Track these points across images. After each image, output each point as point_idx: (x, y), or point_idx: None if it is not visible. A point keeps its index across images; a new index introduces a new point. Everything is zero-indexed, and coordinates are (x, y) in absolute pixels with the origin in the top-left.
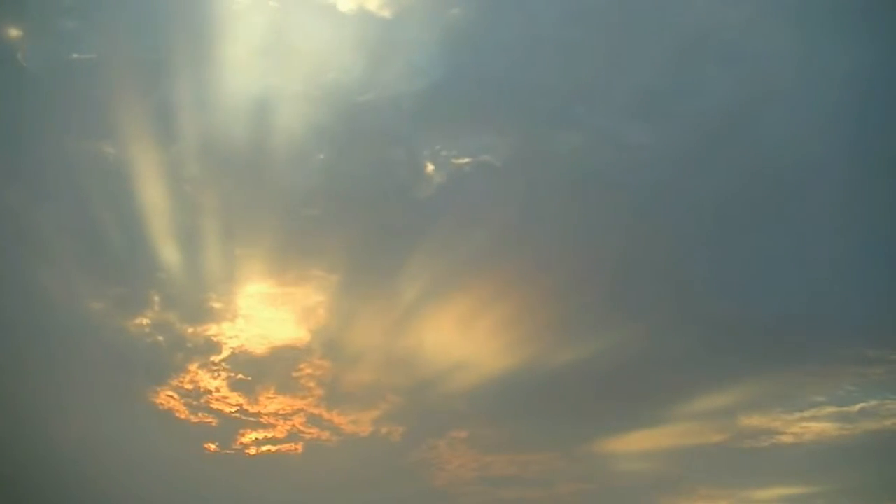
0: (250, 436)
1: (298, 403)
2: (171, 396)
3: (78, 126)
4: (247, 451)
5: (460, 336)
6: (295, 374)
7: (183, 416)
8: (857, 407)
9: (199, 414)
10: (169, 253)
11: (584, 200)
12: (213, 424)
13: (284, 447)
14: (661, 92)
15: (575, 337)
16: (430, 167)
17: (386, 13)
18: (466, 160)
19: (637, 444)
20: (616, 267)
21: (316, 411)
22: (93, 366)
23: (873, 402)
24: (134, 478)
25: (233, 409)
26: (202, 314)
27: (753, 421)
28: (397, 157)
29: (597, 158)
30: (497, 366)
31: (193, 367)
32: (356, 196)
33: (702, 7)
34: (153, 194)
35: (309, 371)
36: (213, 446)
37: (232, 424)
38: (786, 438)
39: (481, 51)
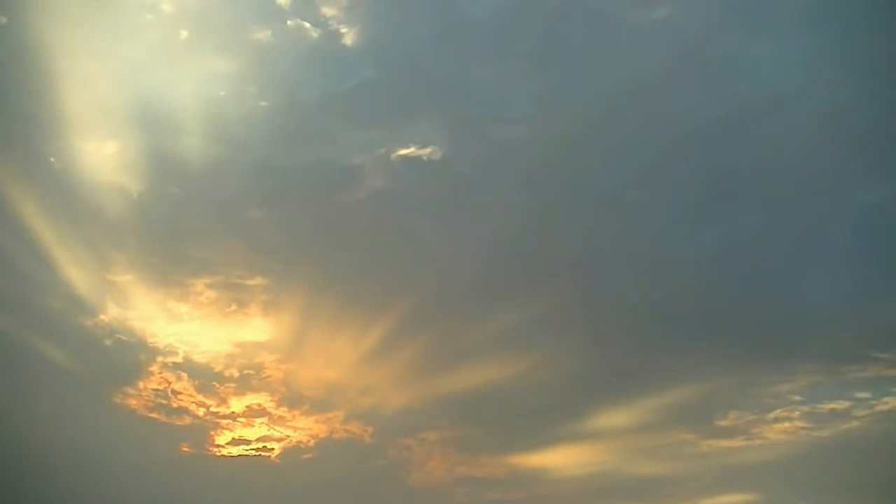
0: (218, 437)
1: (258, 404)
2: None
3: None
4: (215, 451)
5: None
6: (251, 374)
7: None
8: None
9: (163, 414)
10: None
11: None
12: (179, 425)
13: (244, 447)
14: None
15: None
16: (365, 164)
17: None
18: (402, 154)
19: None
20: (557, 262)
21: (277, 412)
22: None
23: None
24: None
25: (197, 410)
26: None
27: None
28: (329, 156)
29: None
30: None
31: (155, 367)
32: (294, 195)
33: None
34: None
35: (267, 371)
36: (179, 447)
37: (198, 426)
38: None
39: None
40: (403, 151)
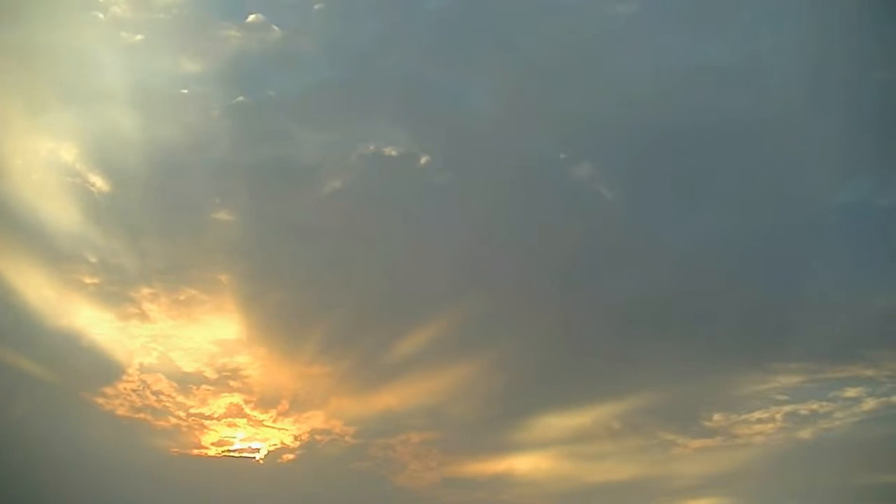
0: (196, 438)
1: (234, 404)
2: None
3: None
4: (194, 452)
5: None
6: (225, 374)
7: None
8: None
9: (137, 415)
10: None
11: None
12: (154, 426)
13: (223, 448)
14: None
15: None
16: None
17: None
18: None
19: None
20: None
21: (252, 413)
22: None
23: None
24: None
25: (174, 411)
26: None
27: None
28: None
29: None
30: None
31: (128, 369)
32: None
33: None
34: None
35: (241, 370)
36: (156, 448)
37: (174, 427)
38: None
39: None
40: (364, 149)
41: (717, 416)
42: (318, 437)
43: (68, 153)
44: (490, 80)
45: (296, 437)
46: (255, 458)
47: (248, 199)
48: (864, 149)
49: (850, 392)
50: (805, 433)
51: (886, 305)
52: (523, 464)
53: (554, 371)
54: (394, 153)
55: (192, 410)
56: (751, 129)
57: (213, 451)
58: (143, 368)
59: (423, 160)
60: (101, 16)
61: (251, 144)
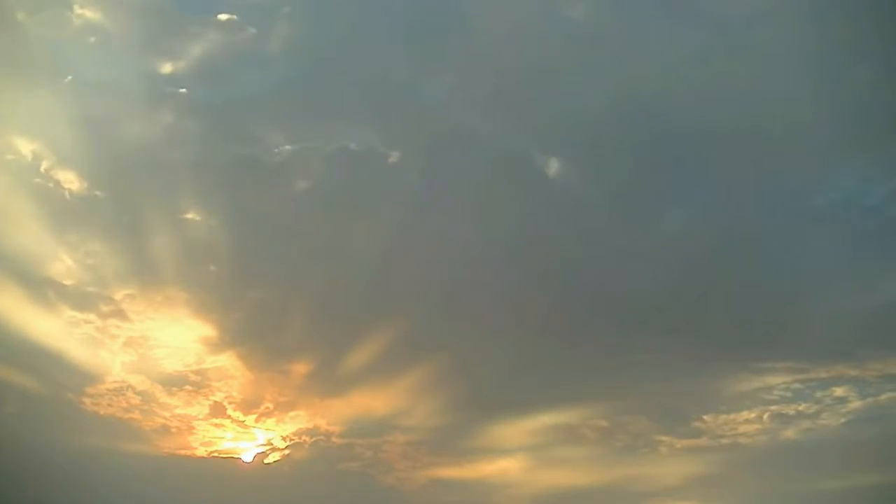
0: (179, 439)
1: (216, 403)
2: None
3: None
4: (180, 453)
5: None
6: (204, 373)
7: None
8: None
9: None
10: None
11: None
12: (141, 427)
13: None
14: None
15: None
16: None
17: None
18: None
19: None
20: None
21: (234, 413)
22: None
23: None
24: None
25: (161, 412)
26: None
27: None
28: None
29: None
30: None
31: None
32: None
33: None
34: None
35: (220, 370)
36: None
37: (164, 427)
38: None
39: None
40: (334, 147)
41: (703, 417)
42: (304, 437)
43: (36, 153)
44: (460, 77)
45: (282, 438)
46: (241, 458)
47: (220, 197)
48: (847, 148)
49: (837, 392)
50: (792, 433)
51: (873, 305)
52: (503, 466)
53: (529, 372)
54: (363, 150)
55: (176, 411)
56: (734, 129)
57: (199, 452)
58: (124, 369)
59: (393, 158)
60: (71, 15)
61: (221, 143)
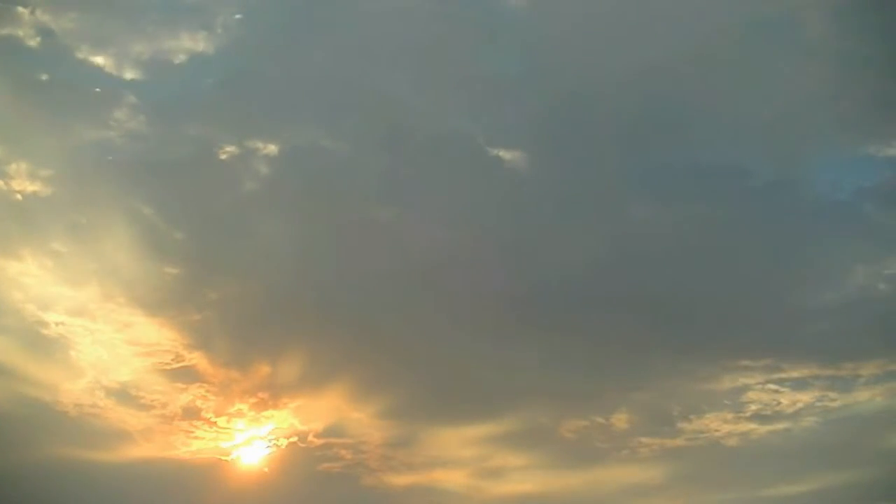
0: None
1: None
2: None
3: None
4: (160, 455)
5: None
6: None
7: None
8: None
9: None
10: None
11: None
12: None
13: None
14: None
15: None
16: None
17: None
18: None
19: None
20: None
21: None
22: None
23: None
24: None
25: (136, 412)
26: None
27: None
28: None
29: None
30: None
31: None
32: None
33: None
34: None
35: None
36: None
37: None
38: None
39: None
40: (285, 145)
41: (678, 417)
42: (282, 437)
43: None
44: (407, 74)
45: (258, 438)
46: (216, 459)
47: (177, 196)
48: (818, 144)
49: (816, 391)
50: (768, 432)
51: (850, 303)
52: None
53: (502, 373)
54: (316, 147)
55: (153, 412)
56: (708, 121)
57: (172, 454)
58: (92, 368)
59: (345, 154)
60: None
61: (171, 143)
